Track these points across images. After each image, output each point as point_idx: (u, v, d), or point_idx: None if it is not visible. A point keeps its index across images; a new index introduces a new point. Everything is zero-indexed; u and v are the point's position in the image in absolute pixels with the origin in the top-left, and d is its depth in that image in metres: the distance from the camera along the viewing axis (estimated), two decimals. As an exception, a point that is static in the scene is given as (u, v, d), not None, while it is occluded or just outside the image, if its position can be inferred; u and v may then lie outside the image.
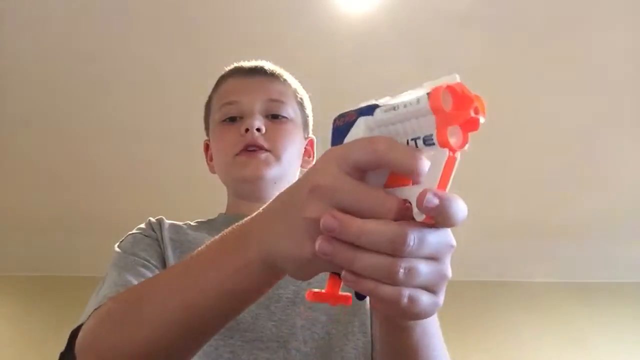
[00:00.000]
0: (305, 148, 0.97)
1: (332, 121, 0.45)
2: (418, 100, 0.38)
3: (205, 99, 0.99)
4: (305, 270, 0.42)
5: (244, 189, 0.89)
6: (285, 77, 0.96)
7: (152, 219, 0.86)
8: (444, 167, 0.38)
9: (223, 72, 0.97)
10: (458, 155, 0.39)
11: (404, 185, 0.40)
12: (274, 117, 0.90)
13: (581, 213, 3.17)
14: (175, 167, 2.79)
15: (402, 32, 2.12)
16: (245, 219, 0.48)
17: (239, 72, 0.95)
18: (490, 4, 2.01)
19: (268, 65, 0.95)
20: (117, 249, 0.78)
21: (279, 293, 0.76)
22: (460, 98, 0.39)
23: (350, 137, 0.43)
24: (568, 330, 3.51)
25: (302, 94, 0.97)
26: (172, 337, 0.50)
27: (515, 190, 3.03)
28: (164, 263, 0.77)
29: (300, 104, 0.96)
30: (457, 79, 0.39)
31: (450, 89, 0.39)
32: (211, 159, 0.97)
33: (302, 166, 0.95)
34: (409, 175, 0.38)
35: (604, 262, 3.58)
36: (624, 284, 3.65)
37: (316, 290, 0.43)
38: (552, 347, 3.45)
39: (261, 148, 0.86)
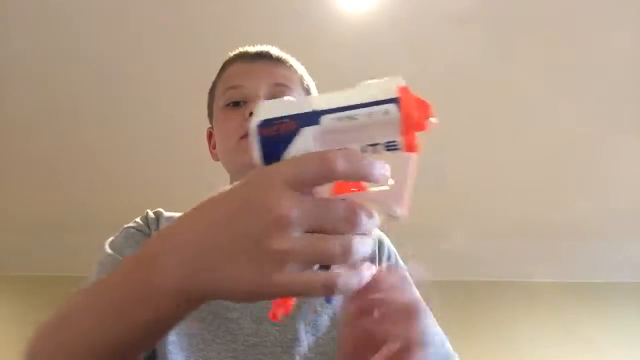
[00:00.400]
0: None
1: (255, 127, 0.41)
2: (386, 111, 0.39)
3: (206, 98, 0.99)
4: (256, 299, 0.39)
5: (247, 174, 0.86)
6: (291, 62, 0.94)
7: (150, 213, 0.85)
8: (412, 170, 0.40)
9: (227, 57, 0.95)
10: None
11: (351, 189, 0.40)
12: None
13: (581, 213, 3.17)
14: (177, 168, 2.79)
15: (402, 32, 2.12)
16: (151, 239, 0.44)
17: (244, 56, 0.93)
18: (490, 4, 2.01)
19: (273, 50, 0.94)
20: (107, 246, 0.77)
21: None
22: (422, 107, 0.40)
23: (295, 150, 0.40)
24: (568, 330, 3.50)
25: (309, 80, 0.96)
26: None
27: (515, 190, 3.03)
28: None
29: (307, 91, 0.94)
30: (403, 82, 0.40)
31: (414, 97, 0.40)
32: (214, 147, 0.94)
33: None
34: (364, 179, 0.39)
35: (604, 262, 3.57)
36: (624, 284, 3.65)
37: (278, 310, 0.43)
38: (552, 347, 3.44)
39: None
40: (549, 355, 3.43)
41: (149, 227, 0.81)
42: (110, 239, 0.79)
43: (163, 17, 2.06)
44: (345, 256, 0.37)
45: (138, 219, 0.83)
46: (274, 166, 0.39)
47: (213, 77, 0.97)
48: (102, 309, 0.45)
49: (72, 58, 2.23)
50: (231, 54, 0.95)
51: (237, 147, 0.85)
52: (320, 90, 0.98)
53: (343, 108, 0.40)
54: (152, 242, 0.44)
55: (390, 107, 0.39)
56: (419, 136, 0.40)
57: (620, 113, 2.51)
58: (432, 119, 0.40)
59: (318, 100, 0.41)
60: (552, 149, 2.74)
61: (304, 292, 0.37)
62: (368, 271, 0.40)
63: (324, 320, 0.76)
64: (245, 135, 0.83)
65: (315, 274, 0.37)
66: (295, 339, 0.73)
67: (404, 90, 0.40)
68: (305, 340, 0.74)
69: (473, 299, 3.53)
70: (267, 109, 0.41)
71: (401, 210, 0.40)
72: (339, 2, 2.02)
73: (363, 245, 0.38)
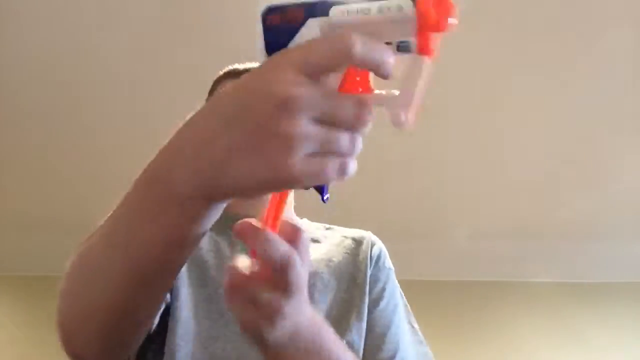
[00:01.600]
0: None
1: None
2: (400, 7, 0.36)
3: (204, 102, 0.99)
4: (266, 190, 0.39)
5: None
6: None
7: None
8: (426, 74, 0.37)
9: (217, 75, 0.97)
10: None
11: (356, 88, 0.38)
12: None
13: (581, 213, 3.17)
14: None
15: (402, 32, 2.12)
16: (158, 155, 0.45)
17: (233, 74, 0.95)
18: (491, 4, 2.01)
19: None
20: None
21: None
22: (442, 5, 0.37)
23: (300, 41, 0.38)
24: (568, 330, 3.50)
25: None
26: (125, 293, 0.47)
27: (515, 190, 3.03)
28: None
29: None
30: None
31: None
32: None
33: None
34: (380, 74, 0.37)
35: (604, 262, 3.57)
36: (624, 284, 3.65)
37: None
38: (552, 347, 3.44)
39: None
40: (548, 355, 3.43)
41: None
42: None
43: (164, 17, 2.07)
44: (352, 151, 0.37)
45: None
46: (283, 51, 0.37)
47: (213, 76, 0.97)
48: (125, 229, 0.45)
49: (74, 57, 2.23)
50: (220, 72, 0.97)
51: None
52: None
53: (355, 1, 0.37)
54: (160, 156, 0.44)
55: (405, 2, 0.36)
56: (436, 38, 0.38)
57: (620, 113, 2.51)
58: (453, 20, 0.37)
59: None
60: (552, 149, 2.74)
61: (316, 179, 0.37)
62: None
63: (320, 312, 0.77)
64: None
65: (329, 160, 0.36)
66: None
67: None
68: None
69: (473, 299, 3.53)
70: None
71: (407, 118, 0.37)
72: (339, 2, 2.02)
73: (360, 145, 0.38)
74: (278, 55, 0.37)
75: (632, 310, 3.59)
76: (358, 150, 0.37)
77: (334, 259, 0.84)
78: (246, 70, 0.93)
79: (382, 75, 0.37)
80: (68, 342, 0.53)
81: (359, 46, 0.35)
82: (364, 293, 0.82)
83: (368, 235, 0.90)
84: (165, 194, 0.42)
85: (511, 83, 2.34)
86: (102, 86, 2.37)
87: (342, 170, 0.37)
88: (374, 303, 0.83)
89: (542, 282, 3.65)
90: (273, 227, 0.42)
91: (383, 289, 0.84)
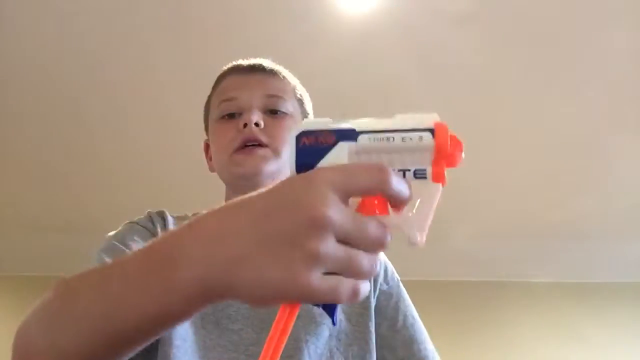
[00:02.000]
0: None
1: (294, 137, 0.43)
2: (421, 138, 0.41)
3: (206, 98, 0.99)
4: (277, 301, 0.39)
5: (242, 186, 0.86)
6: (284, 74, 0.95)
7: (153, 212, 0.85)
8: (436, 199, 0.42)
9: (222, 71, 0.97)
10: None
11: (372, 210, 0.41)
12: (272, 113, 0.89)
13: (581, 213, 3.17)
14: (179, 169, 2.79)
15: (402, 32, 2.12)
16: (173, 230, 0.43)
17: (237, 69, 0.95)
18: (490, 4, 2.01)
19: (267, 63, 0.95)
20: (108, 237, 0.77)
21: None
22: (455, 141, 0.42)
23: (328, 161, 0.42)
24: (568, 330, 3.50)
25: (302, 91, 0.97)
26: (95, 346, 0.46)
27: (515, 190, 3.03)
28: None
29: (300, 101, 0.95)
30: (438, 117, 0.42)
31: (448, 132, 0.42)
32: (211, 159, 0.96)
33: None
34: (399, 204, 0.41)
35: (604, 262, 3.57)
36: (624, 284, 3.65)
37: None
38: (552, 347, 3.44)
39: (260, 143, 0.85)
40: (548, 355, 3.43)
41: (153, 224, 0.81)
42: (112, 232, 0.79)
43: (165, 18, 2.07)
44: (370, 274, 0.39)
45: (141, 217, 0.83)
46: (320, 170, 0.39)
47: (213, 76, 0.98)
48: (116, 293, 0.44)
49: (74, 58, 2.23)
50: (225, 68, 0.96)
51: (231, 161, 0.86)
52: (316, 97, 0.99)
53: (381, 131, 0.42)
54: (177, 234, 0.42)
55: (426, 134, 0.41)
56: (446, 172, 0.42)
57: (620, 113, 2.51)
58: (462, 155, 0.42)
59: (357, 122, 0.43)
60: (552, 149, 2.74)
61: (330, 298, 0.37)
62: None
63: (324, 330, 0.76)
64: (239, 148, 0.85)
65: (345, 280, 0.38)
66: (296, 348, 0.73)
67: (440, 124, 0.41)
68: (306, 349, 0.74)
69: (473, 299, 3.53)
70: (309, 123, 0.44)
71: (421, 238, 0.40)
72: (339, 2, 2.02)
73: (378, 268, 0.40)
74: (318, 172, 0.39)
75: (632, 310, 3.59)
76: (375, 272, 0.40)
77: None
78: (251, 66, 0.93)
79: (399, 205, 0.40)
80: None
81: (394, 181, 0.39)
82: (367, 308, 0.80)
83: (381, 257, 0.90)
84: (169, 275, 0.41)
85: (511, 83, 2.34)
86: (102, 87, 2.37)
87: (356, 292, 0.38)
88: (391, 323, 0.82)
89: (542, 282, 3.65)
90: (277, 348, 0.42)
91: (397, 307, 0.84)
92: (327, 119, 0.44)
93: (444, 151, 0.41)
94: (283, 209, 0.38)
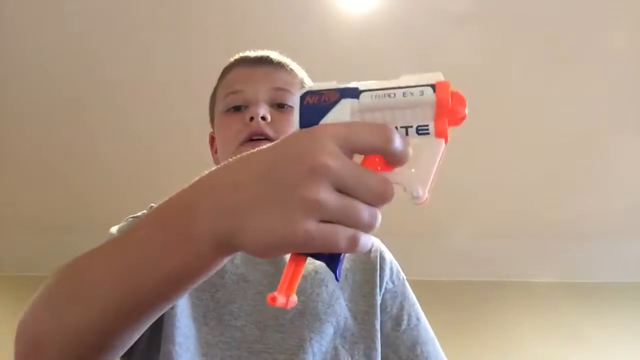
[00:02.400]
0: None
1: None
2: (422, 92, 0.41)
3: (207, 98, 0.99)
4: (279, 249, 0.39)
5: None
6: (291, 66, 0.94)
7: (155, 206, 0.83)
8: (441, 156, 0.41)
9: (228, 62, 0.95)
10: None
11: (375, 167, 0.41)
12: (279, 107, 0.87)
13: (581, 213, 3.16)
14: (179, 168, 2.79)
15: (402, 32, 2.12)
16: (185, 188, 0.45)
17: (244, 61, 0.93)
18: (491, 4, 2.01)
19: (274, 55, 0.94)
20: (111, 231, 0.76)
21: None
22: (457, 97, 0.42)
23: (331, 118, 0.42)
24: (568, 330, 3.50)
25: (310, 84, 0.94)
26: (107, 320, 0.46)
27: (515, 190, 3.03)
28: None
29: None
30: (442, 77, 0.42)
31: (450, 88, 0.41)
32: (216, 152, 0.94)
33: None
34: (398, 162, 0.41)
35: (604, 262, 3.57)
36: (624, 284, 3.65)
37: (274, 293, 0.40)
38: (552, 347, 3.44)
39: (266, 137, 0.83)
40: (548, 355, 3.43)
41: None
42: (114, 227, 0.78)
43: (165, 16, 2.07)
44: (370, 226, 0.39)
45: (144, 212, 0.82)
46: (323, 125, 0.40)
47: (216, 76, 0.97)
48: (132, 255, 0.45)
49: (74, 58, 2.23)
50: (231, 60, 0.95)
51: (237, 153, 0.83)
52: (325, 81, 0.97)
53: (383, 88, 0.42)
54: (187, 190, 0.44)
55: (427, 89, 0.41)
56: (449, 129, 0.41)
57: (620, 113, 2.51)
58: (465, 111, 0.42)
59: (362, 83, 0.43)
60: (552, 149, 2.74)
61: (327, 245, 0.37)
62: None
63: (328, 328, 0.75)
64: (244, 141, 0.84)
65: (343, 228, 0.38)
66: (300, 346, 0.73)
67: (442, 81, 0.41)
68: (310, 348, 0.73)
69: (473, 299, 3.53)
70: (315, 85, 0.44)
71: (423, 192, 0.40)
72: (339, 2, 2.02)
73: (379, 221, 0.39)
74: (320, 127, 0.40)
75: (632, 310, 3.59)
76: (376, 225, 0.39)
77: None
78: (257, 58, 0.92)
79: (398, 164, 0.40)
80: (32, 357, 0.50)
81: (397, 142, 0.39)
82: (373, 306, 0.80)
83: (376, 243, 0.88)
84: (184, 229, 0.42)
85: (511, 83, 2.35)
86: (102, 87, 2.37)
87: (354, 240, 0.38)
88: (395, 323, 0.81)
89: (542, 282, 3.65)
90: (287, 296, 0.42)
91: (402, 307, 0.83)
92: (333, 82, 0.44)
93: (445, 106, 0.41)
94: (285, 161, 0.39)
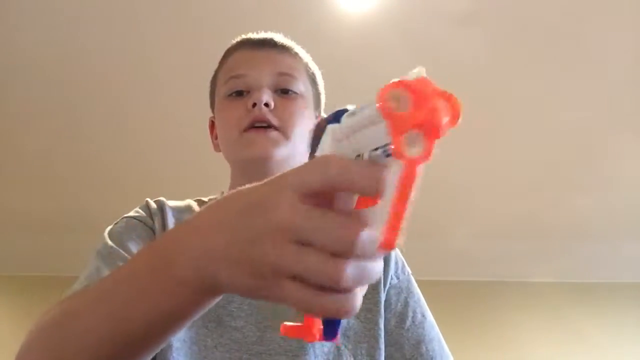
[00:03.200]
0: None
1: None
2: (369, 104, 0.32)
3: (207, 98, 0.98)
4: (254, 297, 0.38)
5: (251, 169, 0.82)
6: (296, 50, 0.90)
7: (151, 202, 0.81)
8: (400, 183, 0.31)
9: (230, 44, 0.91)
10: (420, 168, 0.31)
11: (365, 204, 0.36)
12: (283, 92, 0.84)
13: (581, 213, 3.16)
14: (179, 168, 2.79)
15: (402, 32, 2.12)
16: (169, 231, 0.44)
17: (246, 44, 0.89)
18: (491, 4, 2.01)
19: (278, 37, 0.90)
20: (106, 236, 0.74)
21: None
22: (420, 97, 0.31)
23: (320, 149, 0.38)
24: (568, 330, 3.50)
25: (314, 68, 0.92)
26: (101, 357, 0.45)
27: (515, 190, 3.03)
28: None
29: (312, 79, 0.90)
30: (423, 73, 0.33)
31: (404, 85, 0.31)
32: (216, 137, 0.91)
33: None
34: (367, 195, 0.34)
35: (604, 262, 3.57)
36: (624, 284, 3.65)
37: (291, 324, 0.39)
38: (551, 347, 3.44)
39: (269, 125, 0.80)
40: (548, 355, 3.43)
41: (151, 218, 0.78)
42: (109, 228, 0.76)
43: (164, 15, 2.06)
44: (338, 280, 0.33)
45: (139, 209, 0.80)
46: (284, 174, 0.37)
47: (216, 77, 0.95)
48: (120, 299, 0.44)
49: (73, 57, 2.23)
50: (234, 41, 0.91)
51: (240, 140, 0.81)
52: (325, 81, 0.95)
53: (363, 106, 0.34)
54: (173, 232, 0.44)
55: (369, 106, 0.33)
56: (420, 142, 0.32)
57: (620, 113, 2.51)
58: (439, 118, 0.32)
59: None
60: (552, 149, 2.74)
61: (303, 309, 0.35)
62: (360, 296, 0.35)
63: None
64: (247, 128, 0.80)
65: (317, 295, 0.34)
66: (301, 347, 0.72)
67: (388, 85, 0.32)
68: (312, 348, 0.72)
69: (473, 299, 3.53)
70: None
71: (382, 235, 0.31)
72: (339, 2, 2.02)
73: (361, 273, 0.33)
74: (280, 176, 0.36)
75: (632, 310, 3.59)
76: (345, 279, 0.33)
77: None
78: (261, 41, 0.88)
79: (368, 195, 0.34)
80: None
81: (334, 171, 0.33)
82: (376, 303, 0.77)
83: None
84: (166, 274, 0.41)
85: (511, 83, 2.34)
86: (102, 87, 2.37)
87: (330, 307, 0.34)
88: (400, 320, 0.79)
89: (542, 282, 3.65)
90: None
91: (406, 303, 0.80)
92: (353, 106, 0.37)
93: (390, 115, 0.31)
94: (249, 213, 0.36)
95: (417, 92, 0.31)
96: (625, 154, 2.76)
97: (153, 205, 0.80)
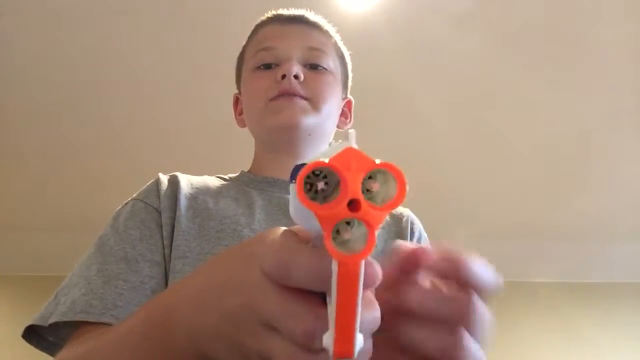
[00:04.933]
0: (342, 109, 0.88)
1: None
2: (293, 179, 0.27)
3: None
4: None
5: (276, 139, 0.80)
6: (326, 27, 0.89)
7: (163, 178, 0.78)
8: (338, 286, 0.26)
9: (259, 20, 0.89)
10: (361, 264, 0.26)
11: None
12: (312, 68, 0.81)
13: (581, 213, 3.17)
14: (178, 168, 2.78)
15: (402, 32, 2.12)
16: (167, 293, 0.43)
17: (277, 19, 0.87)
18: (491, 4, 2.01)
19: (309, 14, 0.88)
20: (110, 223, 0.72)
21: None
22: (348, 178, 0.26)
23: (290, 205, 0.33)
24: (568, 330, 3.50)
25: (344, 50, 0.90)
26: None
27: (515, 190, 3.03)
28: (160, 241, 0.69)
29: (342, 58, 0.89)
30: (352, 139, 0.28)
31: (325, 165, 0.26)
32: (240, 113, 0.89)
33: (338, 127, 0.87)
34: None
35: (604, 262, 3.57)
36: (624, 284, 3.65)
37: None
38: (551, 347, 3.44)
39: (299, 95, 0.77)
40: (548, 355, 3.43)
41: (158, 197, 0.74)
42: (117, 210, 0.75)
43: (162, 16, 2.06)
44: None
45: (148, 187, 0.77)
46: (252, 243, 0.34)
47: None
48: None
49: (71, 57, 2.23)
50: (263, 17, 0.89)
51: (267, 108, 0.79)
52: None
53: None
54: (168, 304, 0.42)
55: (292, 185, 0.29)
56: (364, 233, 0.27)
57: (621, 113, 2.51)
58: (382, 197, 0.27)
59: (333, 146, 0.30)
60: (552, 149, 2.74)
61: None
62: None
63: None
64: (275, 97, 0.78)
65: None
66: None
67: (310, 167, 0.26)
68: None
69: (473, 299, 3.53)
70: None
71: (336, 348, 0.27)
72: (339, 2, 2.01)
73: None
74: (255, 250, 0.34)
75: (632, 310, 3.59)
76: None
77: None
78: (292, 17, 0.87)
79: (317, 291, 0.31)
80: None
81: (272, 267, 0.31)
82: None
83: (407, 213, 0.82)
84: (168, 344, 0.40)
85: (511, 83, 2.34)
86: (101, 87, 2.37)
87: None
88: None
89: (542, 282, 3.65)
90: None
91: None
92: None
93: (313, 207, 0.26)
94: (226, 292, 0.35)
95: (344, 173, 0.26)
96: (625, 154, 2.76)
97: (164, 181, 0.78)
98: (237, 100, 0.91)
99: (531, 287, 3.63)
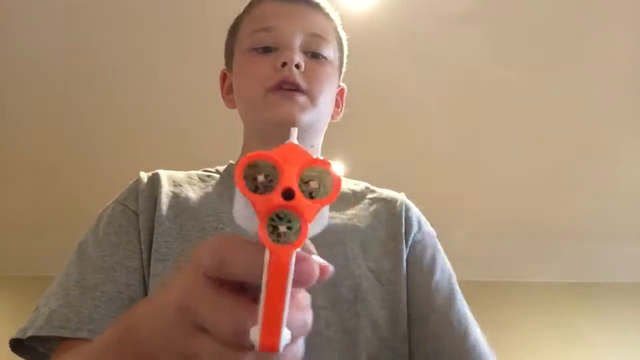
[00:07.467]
0: (335, 98, 0.84)
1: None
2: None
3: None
4: None
5: (271, 132, 0.75)
6: (327, 9, 0.83)
7: (143, 178, 0.77)
8: (269, 276, 0.27)
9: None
10: (292, 254, 0.27)
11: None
12: (313, 56, 0.77)
13: (581, 213, 3.17)
14: (178, 168, 2.79)
15: (402, 32, 2.12)
16: (130, 311, 0.42)
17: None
18: (491, 4, 2.01)
19: None
20: (91, 229, 0.71)
21: None
22: (286, 170, 0.28)
23: (234, 206, 0.33)
24: (568, 330, 3.50)
25: (342, 34, 0.86)
26: None
27: (515, 190, 3.03)
28: (138, 245, 0.68)
29: (340, 44, 0.85)
30: (294, 135, 0.30)
31: (265, 157, 0.28)
32: (227, 92, 0.84)
33: (332, 117, 0.84)
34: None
35: (604, 262, 3.57)
36: (624, 284, 3.65)
37: None
38: (551, 347, 3.44)
39: (298, 88, 0.73)
40: (548, 355, 3.43)
41: (136, 199, 0.73)
42: (99, 214, 0.74)
43: (164, 14, 2.06)
44: None
45: (129, 187, 0.76)
46: (198, 248, 0.33)
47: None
48: None
49: (72, 56, 2.23)
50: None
51: (264, 100, 0.74)
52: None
53: None
54: (124, 323, 0.41)
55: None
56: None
57: (621, 113, 2.51)
58: (318, 193, 0.28)
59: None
60: (552, 149, 2.74)
61: None
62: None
63: (344, 293, 0.67)
64: (274, 88, 0.73)
65: None
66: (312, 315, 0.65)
67: (249, 157, 0.28)
68: (322, 316, 0.64)
69: (473, 299, 3.51)
70: None
71: (262, 340, 0.28)
72: (339, 2, 2.02)
73: None
74: (193, 255, 0.33)
75: (632, 310, 3.59)
76: None
77: (360, 225, 0.73)
78: None
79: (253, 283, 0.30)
80: None
81: (206, 260, 0.31)
82: (399, 263, 0.70)
83: (402, 198, 0.79)
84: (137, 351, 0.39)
85: (511, 83, 2.34)
86: (101, 87, 2.37)
87: None
88: (427, 275, 0.71)
89: (542, 282, 3.66)
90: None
91: (434, 258, 0.74)
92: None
93: (251, 197, 0.28)
94: (167, 299, 0.35)
95: (281, 164, 0.28)
96: (625, 154, 2.76)
97: (143, 180, 0.76)
98: (224, 77, 0.86)
99: (531, 287, 3.63)
